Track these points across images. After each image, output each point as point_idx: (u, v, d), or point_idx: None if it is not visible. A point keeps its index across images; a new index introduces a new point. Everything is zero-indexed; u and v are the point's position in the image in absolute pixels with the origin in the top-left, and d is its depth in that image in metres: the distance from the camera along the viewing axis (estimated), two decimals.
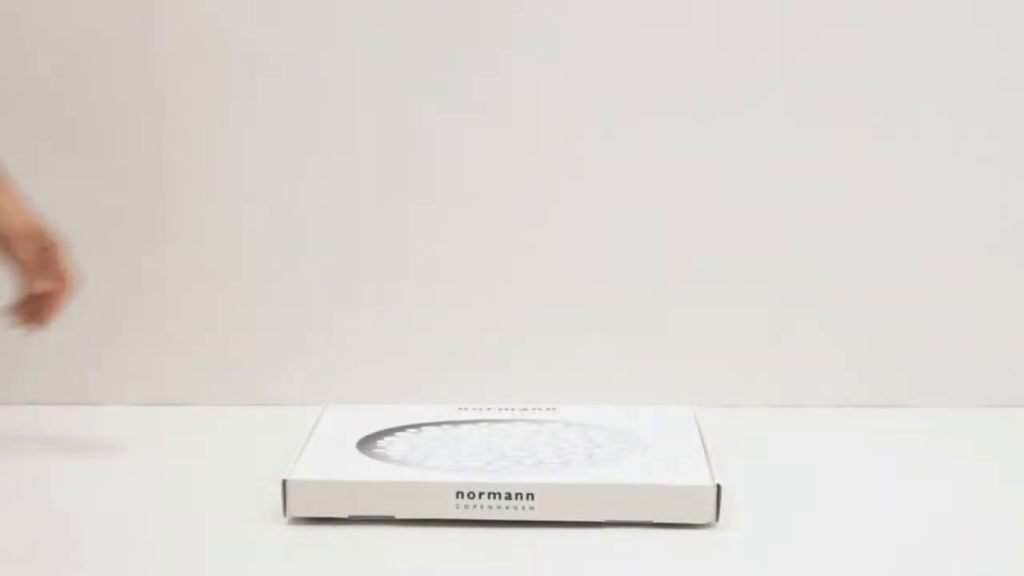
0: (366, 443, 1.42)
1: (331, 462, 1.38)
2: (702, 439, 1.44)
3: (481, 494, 1.32)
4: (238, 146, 1.81)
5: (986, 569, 1.26)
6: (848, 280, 1.82)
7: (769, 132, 1.80)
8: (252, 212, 1.83)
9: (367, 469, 1.35)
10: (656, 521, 1.32)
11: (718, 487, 1.31)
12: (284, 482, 1.33)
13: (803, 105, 1.79)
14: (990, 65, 1.78)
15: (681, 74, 1.79)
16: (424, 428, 1.48)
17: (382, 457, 1.37)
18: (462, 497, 1.32)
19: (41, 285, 1.39)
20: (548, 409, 1.51)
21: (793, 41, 1.78)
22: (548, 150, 1.80)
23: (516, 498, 1.32)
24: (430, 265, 1.81)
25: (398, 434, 1.42)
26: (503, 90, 1.79)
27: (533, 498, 1.32)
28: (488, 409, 1.49)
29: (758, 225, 1.81)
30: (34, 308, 1.41)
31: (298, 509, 1.33)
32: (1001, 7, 1.76)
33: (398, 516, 1.32)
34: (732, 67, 1.79)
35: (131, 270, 1.78)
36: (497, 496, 1.31)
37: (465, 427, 1.49)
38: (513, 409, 1.55)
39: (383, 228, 1.80)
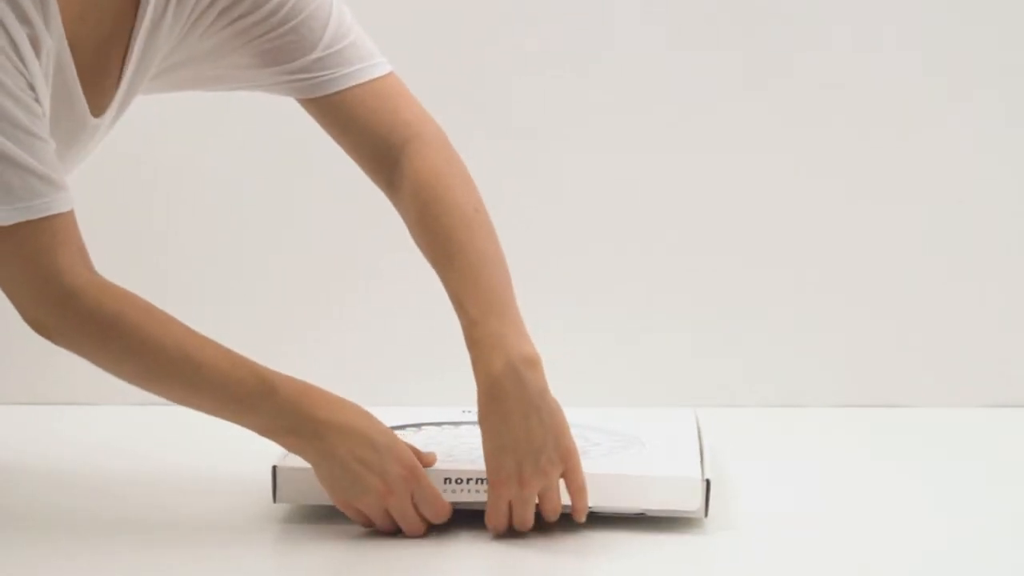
0: None
1: None
2: (700, 440, 1.44)
3: (469, 480, 1.32)
4: (235, 151, 1.81)
5: (985, 568, 1.26)
6: (848, 281, 1.82)
7: (770, 138, 1.80)
8: (251, 214, 1.83)
9: None
10: (645, 509, 1.31)
11: (707, 481, 1.31)
12: (274, 468, 1.33)
13: (802, 114, 1.79)
14: (988, 75, 1.79)
15: (685, 81, 1.79)
16: (424, 427, 1.48)
17: None
18: (450, 483, 1.32)
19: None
20: None
21: (799, 64, 1.78)
22: (547, 152, 1.80)
23: None
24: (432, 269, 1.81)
25: (396, 432, 1.42)
26: (497, 90, 1.79)
27: None
28: None
29: (758, 227, 1.81)
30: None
31: (287, 496, 1.33)
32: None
33: None
34: (737, 79, 1.79)
35: (129, 271, 1.77)
36: (485, 481, 1.30)
37: (465, 427, 1.48)
38: None
39: (385, 231, 1.80)
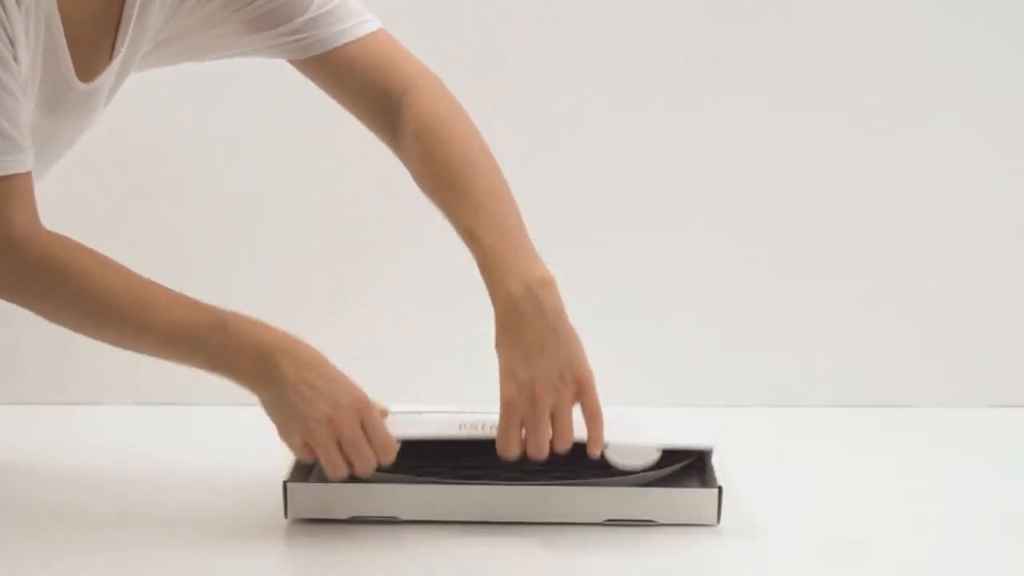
0: None
1: None
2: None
3: (484, 425, 1.32)
4: (238, 148, 1.80)
5: (985, 568, 1.26)
6: (848, 282, 1.82)
7: (770, 139, 1.80)
8: (252, 213, 1.83)
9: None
10: (660, 521, 1.32)
11: (719, 489, 1.31)
12: (285, 485, 1.33)
13: (803, 114, 1.79)
14: (990, 76, 1.79)
15: (690, 81, 1.79)
16: (425, 414, 1.47)
17: None
18: (464, 428, 1.33)
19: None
20: None
21: (807, 64, 1.79)
22: (549, 151, 1.80)
23: None
24: (433, 270, 1.81)
25: (399, 415, 1.41)
26: (506, 90, 1.79)
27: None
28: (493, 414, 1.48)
29: (759, 228, 1.81)
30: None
31: (298, 511, 1.33)
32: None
33: (401, 517, 1.32)
34: (743, 87, 1.79)
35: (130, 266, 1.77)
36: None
37: (465, 415, 1.47)
38: None
39: (385, 231, 1.80)
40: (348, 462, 1.27)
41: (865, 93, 1.79)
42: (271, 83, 1.72)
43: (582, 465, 1.31)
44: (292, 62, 1.39)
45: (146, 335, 1.28)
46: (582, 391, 1.27)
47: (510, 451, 1.27)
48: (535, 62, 1.78)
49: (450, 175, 1.33)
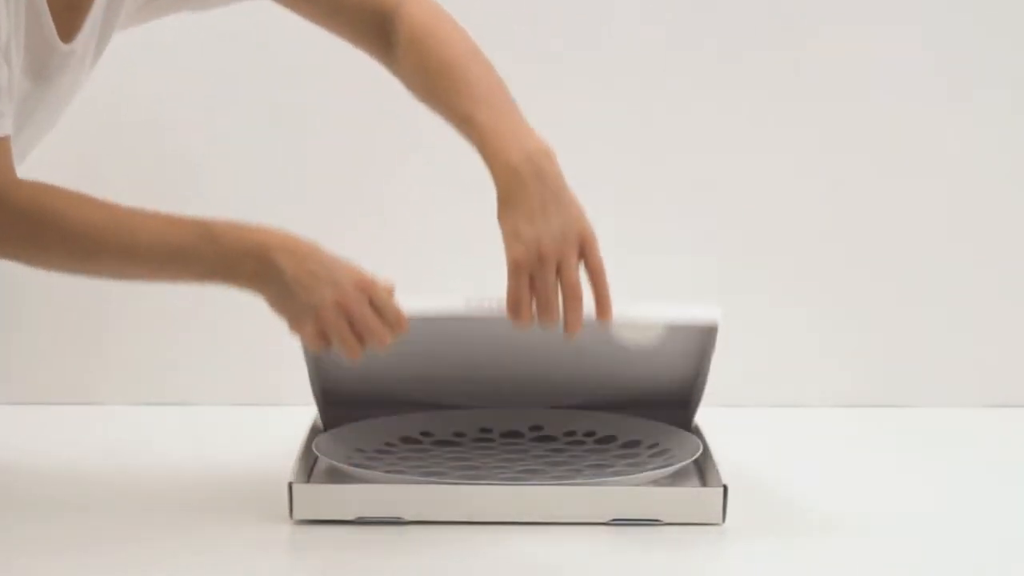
0: None
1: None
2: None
3: (491, 299, 1.32)
4: (235, 147, 1.80)
5: (985, 568, 1.26)
6: (849, 282, 1.82)
7: (774, 143, 1.80)
8: (252, 212, 1.82)
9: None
10: (665, 520, 1.32)
11: (724, 488, 1.32)
12: (290, 486, 1.32)
13: (806, 114, 1.79)
14: (993, 78, 1.79)
15: (689, 83, 1.80)
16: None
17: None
18: (472, 302, 1.33)
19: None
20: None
21: (801, 74, 1.79)
22: (557, 144, 1.80)
23: None
24: (429, 266, 1.81)
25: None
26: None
27: None
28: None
29: (760, 228, 1.82)
30: None
31: (304, 512, 1.33)
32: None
33: (405, 518, 1.32)
34: (744, 87, 1.79)
35: None
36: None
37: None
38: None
39: (384, 227, 1.80)
40: (362, 341, 1.28)
41: (867, 93, 1.79)
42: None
43: (590, 345, 1.32)
44: (282, 1, 1.40)
45: (139, 261, 1.28)
46: (585, 247, 1.28)
47: (521, 312, 1.27)
48: (535, 60, 1.78)
49: (444, 72, 1.34)
